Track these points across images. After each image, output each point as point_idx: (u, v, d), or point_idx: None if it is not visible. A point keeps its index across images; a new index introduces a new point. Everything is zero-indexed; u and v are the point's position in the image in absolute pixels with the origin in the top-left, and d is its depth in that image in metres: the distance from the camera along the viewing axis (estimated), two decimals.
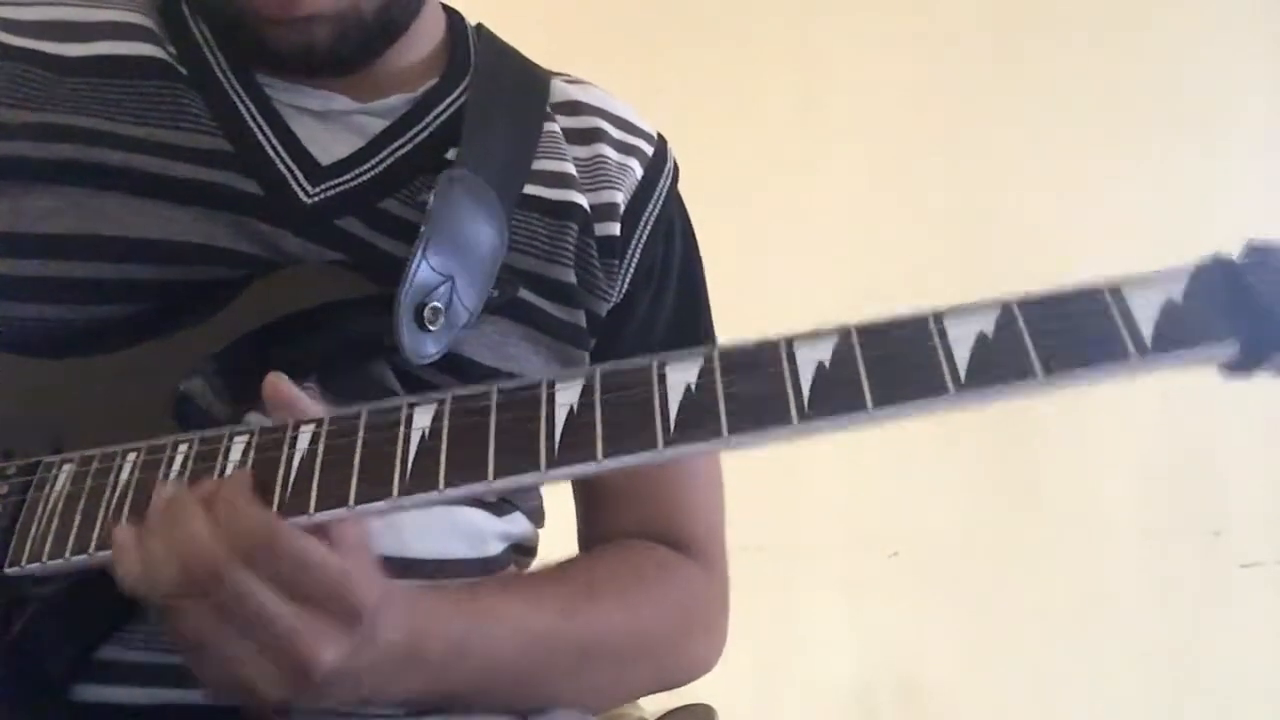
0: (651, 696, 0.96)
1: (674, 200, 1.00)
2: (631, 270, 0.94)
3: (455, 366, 0.83)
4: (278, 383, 0.71)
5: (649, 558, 0.93)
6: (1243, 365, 0.59)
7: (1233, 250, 0.60)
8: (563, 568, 0.90)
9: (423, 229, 0.81)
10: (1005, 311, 0.60)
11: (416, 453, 0.65)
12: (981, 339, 0.60)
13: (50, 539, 0.70)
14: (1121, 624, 2.22)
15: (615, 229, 0.93)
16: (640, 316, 0.95)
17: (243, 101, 0.87)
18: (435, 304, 0.80)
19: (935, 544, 2.23)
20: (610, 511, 0.96)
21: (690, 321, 1.00)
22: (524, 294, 0.88)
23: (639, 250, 0.95)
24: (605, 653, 0.86)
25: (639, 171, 0.96)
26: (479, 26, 1.00)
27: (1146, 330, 0.58)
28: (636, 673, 0.90)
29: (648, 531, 0.95)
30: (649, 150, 0.98)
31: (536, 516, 0.97)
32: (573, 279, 0.91)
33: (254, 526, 0.64)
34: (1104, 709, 2.21)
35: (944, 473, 2.23)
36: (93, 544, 0.69)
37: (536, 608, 0.82)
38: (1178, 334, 0.58)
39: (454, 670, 0.76)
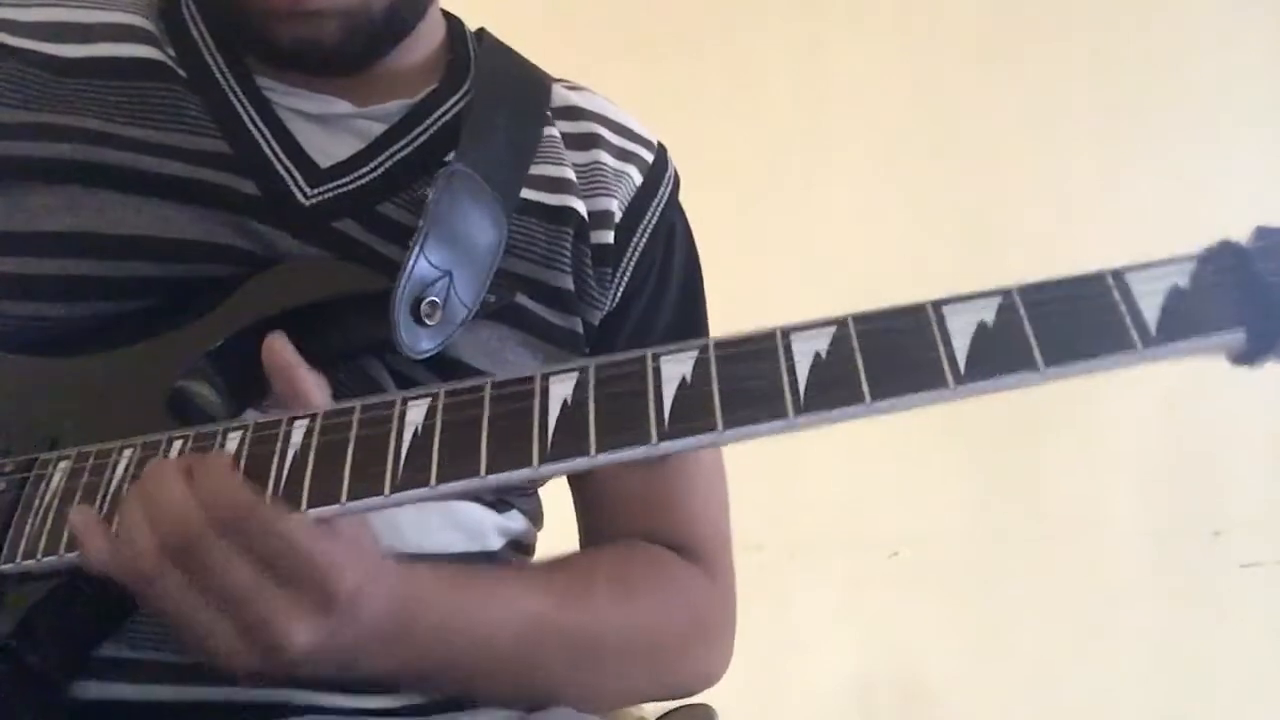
0: None
1: (674, 208, 0.99)
2: (626, 279, 0.94)
3: (451, 371, 0.82)
4: (279, 347, 0.70)
5: (653, 558, 0.93)
6: (1250, 354, 0.57)
7: (1241, 236, 0.59)
8: (564, 559, 0.90)
9: (421, 223, 0.80)
10: (1006, 299, 0.59)
11: (409, 449, 0.65)
12: (982, 328, 0.59)
13: (44, 536, 0.70)
14: (1121, 624, 2.22)
15: (609, 237, 0.92)
16: (635, 324, 0.94)
17: (242, 104, 0.86)
18: (433, 299, 0.80)
19: (935, 544, 2.23)
20: (611, 520, 0.96)
21: (688, 331, 0.97)
22: (521, 299, 0.87)
23: (634, 259, 0.94)
24: (601, 647, 0.85)
25: (637, 179, 0.95)
26: (481, 31, 0.99)
27: (1151, 317, 0.57)
28: (634, 673, 0.89)
29: (651, 541, 0.94)
30: (648, 158, 0.97)
31: (535, 517, 0.96)
32: (570, 285, 0.90)
33: (233, 496, 0.63)
34: (1104, 709, 2.21)
35: (944, 473, 2.23)
36: None
37: (531, 592, 0.82)
38: (1183, 321, 0.57)
39: (443, 645, 0.75)
